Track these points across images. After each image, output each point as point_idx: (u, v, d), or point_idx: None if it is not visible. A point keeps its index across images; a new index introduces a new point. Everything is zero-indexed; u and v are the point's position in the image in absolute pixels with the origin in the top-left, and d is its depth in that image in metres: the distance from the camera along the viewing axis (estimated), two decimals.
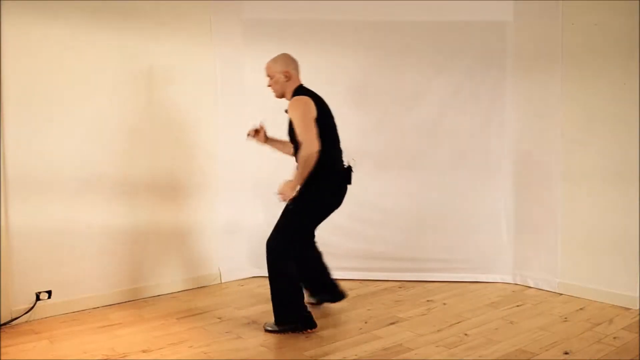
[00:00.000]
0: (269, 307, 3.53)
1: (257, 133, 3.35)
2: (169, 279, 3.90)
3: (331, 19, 4.15)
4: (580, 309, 3.48)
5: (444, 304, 3.62)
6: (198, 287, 4.01)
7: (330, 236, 4.15)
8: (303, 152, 2.92)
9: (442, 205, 4.17)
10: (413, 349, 2.85)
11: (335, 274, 4.14)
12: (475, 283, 4.06)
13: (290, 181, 2.98)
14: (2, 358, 2.77)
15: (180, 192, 3.93)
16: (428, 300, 3.69)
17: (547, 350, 2.83)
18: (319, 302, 3.51)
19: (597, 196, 3.62)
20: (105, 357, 2.77)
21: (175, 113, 3.89)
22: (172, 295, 3.83)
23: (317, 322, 3.20)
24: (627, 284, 3.48)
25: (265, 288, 3.98)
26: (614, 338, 2.98)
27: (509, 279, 4.09)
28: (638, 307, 3.42)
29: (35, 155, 3.32)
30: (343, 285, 3.71)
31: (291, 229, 3.10)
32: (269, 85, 3.16)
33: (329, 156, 3.04)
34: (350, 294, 3.85)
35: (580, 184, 3.70)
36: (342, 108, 4.22)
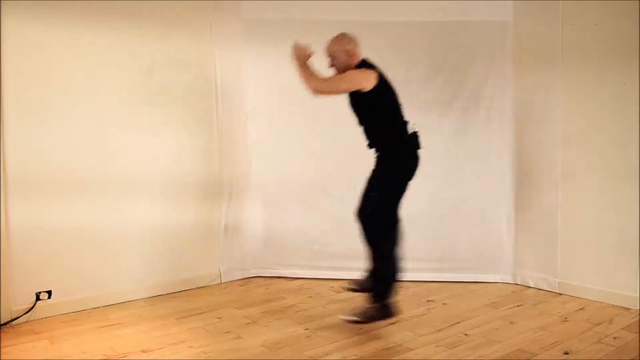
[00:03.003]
0: (269, 307, 3.55)
1: (306, 54, 3.14)
2: (169, 279, 3.90)
3: (331, 19, 4.14)
4: (580, 309, 3.48)
5: (444, 304, 3.62)
6: (198, 287, 4.01)
7: (331, 236, 4.16)
8: (319, 84, 2.94)
9: (442, 205, 4.16)
10: (413, 349, 2.85)
11: (336, 274, 4.16)
12: (475, 283, 4.06)
13: (303, 64, 3.01)
14: (2, 358, 2.77)
15: (180, 192, 3.93)
16: (428, 300, 3.69)
17: (547, 350, 2.83)
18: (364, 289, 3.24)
19: (597, 196, 3.62)
20: (105, 357, 2.77)
21: (174, 113, 3.89)
22: (172, 295, 3.83)
23: (317, 322, 3.21)
24: (627, 284, 3.48)
25: (265, 288, 4.01)
26: (614, 338, 2.98)
27: (509, 279, 4.09)
28: (638, 307, 3.42)
29: (35, 155, 3.32)
30: (343, 285, 3.70)
31: (381, 203, 3.05)
32: (331, 66, 3.11)
33: (394, 126, 3.07)
34: (351, 294, 3.83)
35: (580, 184, 3.70)
36: (341, 108, 4.23)
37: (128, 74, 3.67)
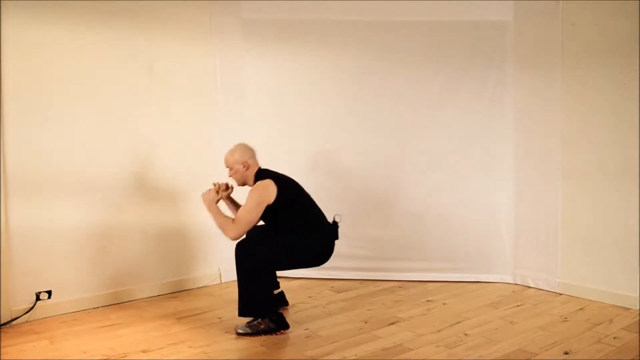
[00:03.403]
0: None
1: (225, 190, 3.29)
2: (169, 279, 3.90)
3: (331, 19, 4.15)
4: (580, 309, 3.48)
5: (444, 304, 3.62)
6: (198, 287, 4.01)
7: None
8: (232, 230, 3.00)
9: (442, 205, 4.16)
10: (413, 349, 2.85)
11: (336, 274, 4.17)
12: (475, 283, 4.06)
13: (213, 207, 3.11)
14: (2, 358, 2.77)
15: (180, 192, 3.93)
16: (428, 300, 3.69)
17: (547, 350, 2.83)
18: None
19: (597, 196, 3.62)
20: (105, 357, 2.77)
21: (175, 113, 3.89)
22: (172, 295, 3.83)
23: (317, 322, 3.21)
24: (627, 284, 3.48)
25: None
26: (614, 338, 2.98)
27: (509, 279, 4.09)
28: (638, 307, 3.42)
29: (35, 155, 3.32)
30: (344, 285, 3.73)
31: (279, 253, 3.07)
32: (230, 176, 3.24)
33: (306, 225, 3.14)
34: (350, 294, 3.85)
35: (580, 183, 3.70)
36: (341, 108, 4.24)
37: (128, 74, 3.67)
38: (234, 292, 3.91)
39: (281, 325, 3.08)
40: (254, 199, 3.03)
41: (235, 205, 3.36)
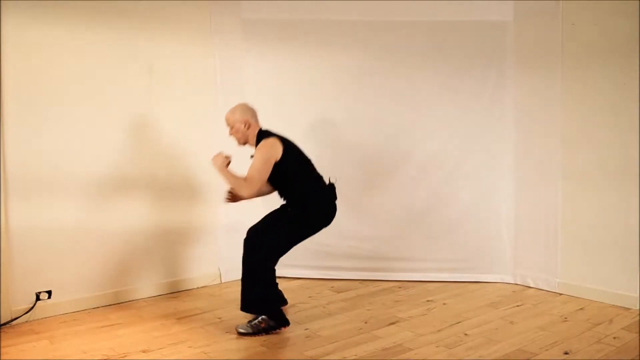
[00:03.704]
0: None
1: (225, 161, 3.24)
2: (169, 279, 3.90)
3: (330, 19, 4.15)
4: (580, 309, 3.48)
5: (444, 304, 3.62)
6: (198, 287, 4.01)
7: (330, 236, 4.15)
8: (241, 185, 3.00)
9: (442, 205, 4.16)
10: (413, 349, 2.85)
11: (335, 274, 4.17)
12: (475, 283, 4.06)
13: (224, 169, 3.03)
14: (2, 358, 2.77)
15: (180, 192, 3.93)
16: (428, 300, 3.69)
17: (547, 350, 2.83)
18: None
19: (597, 196, 3.62)
20: (105, 357, 2.77)
21: (175, 113, 3.89)
22: (172, 295, 3.83)
23: (317, 322, 3.20)
24: (627, 284, 3.48)
25: None
26: (614, 338, 2.98)
27: (509, 279, 4.09)
28: (638, 307, 3.42)
29: (35, 155, 3.32)
30: (344, 285, 3.72)
31: (278, 237, 3.13)
32: (231, 134, 3.24)
33: (308, 186, 3.18)
34: (350, 294, 3.85)
35: (580, 183, 3.70)
36: (341, 108, 4.24)
37: (128, 74, 3.67)
38: (234, 292, 3.92)
39: (281, 322, 3.09)
40: (262, 156, 3.02)
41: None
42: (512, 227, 4.09)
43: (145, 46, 3.73)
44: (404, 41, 4.13)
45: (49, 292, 3.39)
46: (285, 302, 3.53)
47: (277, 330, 3.08)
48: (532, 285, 3.96)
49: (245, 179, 3.01)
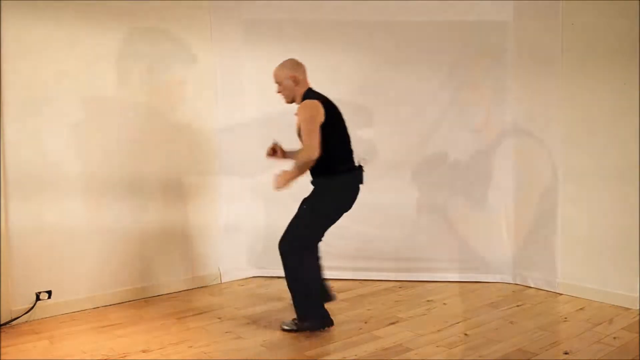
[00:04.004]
0: (269, 307, 3.55)
1: (275, 152, 3.28)
2: (169, 279, 3.90)
3: (331, 19, 4.15)
4: (580, 309, 3.48)
5: (444, 304, 3.62)
6: (198, 287, 4.01)
7: (330, 236, 4.15)
8: (303, 155, 2.93)
9: (442, 205, 4.17)
10: (413, 349, 2.85)
11: (335, 274, 4.16)
12: (475, 283, 4.06)
13: (287, 172, 2.96)
14: (2, 358, 2.77)
15: (180, 192, 3.93)
16: (428, 300, 3.69)
17: (547, 350, 2.83)
18: None
19: (597, 196, 3.62)
20: (105, 357, 2.77)
21: (175, 113, 3.89)
22: (172, 295, 3.83)
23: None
24: (627, 284, 3.48)
25: (265, 288, 4.00)
26: (614, 338, 2.98)
27: (509, 279, 4.09)
28: (638, 307, 3.42)
29: (35, 155, 3.32)
30: (344, 285, 3.71)
31: (305, 229, 3.08)
32: (279, 92, 3.13)
33: (339, 157, 3.06)
34: (350, 294, 3.85)
35: (580, 184, 3.70)
36: (341, 108, 4.23)
37: (128, 75, 3.67)
38: (234, 292, 3.93)
39: (325, 322, 3.09)
40: (306, 118, 2.91)
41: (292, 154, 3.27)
42: (512, 227, 4.09)
43: (145, 46, 3.72)
44: (404, 41, 4.13)
45: (49, 292, 3.39)
46: (330, 298, 3.37)
47: (321, 330, 3.07)
48: (532, 285, 3.96)
49: (302, 149, 2.92)
